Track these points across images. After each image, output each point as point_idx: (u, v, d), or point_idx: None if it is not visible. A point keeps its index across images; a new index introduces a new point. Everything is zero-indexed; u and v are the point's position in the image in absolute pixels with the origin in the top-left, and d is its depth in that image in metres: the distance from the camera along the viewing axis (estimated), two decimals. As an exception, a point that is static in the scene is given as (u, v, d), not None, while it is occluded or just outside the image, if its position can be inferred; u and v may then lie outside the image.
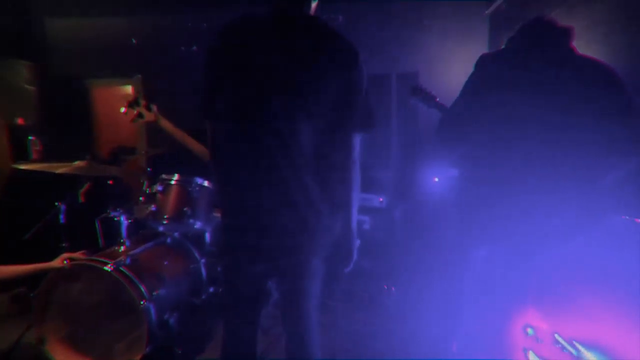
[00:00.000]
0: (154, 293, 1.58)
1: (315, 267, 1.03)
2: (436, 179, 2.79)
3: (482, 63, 1.25)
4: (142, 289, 1.52)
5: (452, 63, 2.86)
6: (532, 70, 1.16)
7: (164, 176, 1.78)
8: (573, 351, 1.56)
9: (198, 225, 1.77)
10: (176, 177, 1.77)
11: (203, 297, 1.95)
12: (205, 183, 1.83)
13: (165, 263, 1.79)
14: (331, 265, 1.10)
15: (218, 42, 0.98)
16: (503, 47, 1.29)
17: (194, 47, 3.03)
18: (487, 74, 1.23)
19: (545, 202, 1.14)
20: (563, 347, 1.61)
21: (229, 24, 0.98)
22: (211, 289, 2.01)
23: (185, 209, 1.72)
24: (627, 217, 1.39)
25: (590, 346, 1.52)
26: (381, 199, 2.64)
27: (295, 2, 0.97)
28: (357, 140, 1.00)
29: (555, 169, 1.12)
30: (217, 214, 2.22)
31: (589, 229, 1.18)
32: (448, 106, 1.67)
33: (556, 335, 1.65)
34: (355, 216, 1.04)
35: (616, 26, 1.65)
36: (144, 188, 1.79)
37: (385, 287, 2.44)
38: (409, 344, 1.84)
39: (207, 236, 2.06)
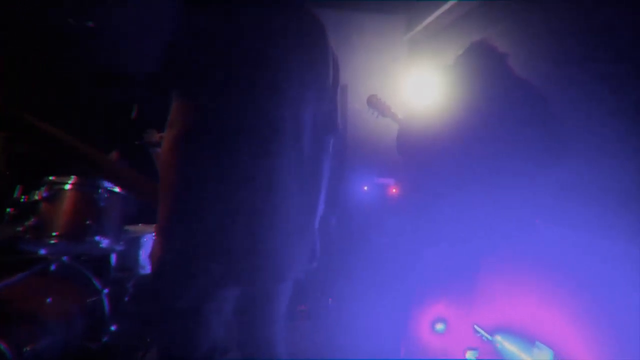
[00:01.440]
0: (26, 349, 1.10)
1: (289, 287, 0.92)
2: (365, 188, 2.91)
3: (436, 79, 1.35)
4: (2, 347, 1.03)
5: (376, 79, 3.09)
6: (476, 87, 1.30)
7: (52, 179, 1.29)
8: (492, 339, 1.75)
9: (105, 243, 1.34)
10: (73, 179, 1.31)
11: (104, 339, 1.49)
12: (117, 189, 1.42)
13: (48, 301, 1.29)
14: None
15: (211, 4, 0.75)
16: (449, 65, 1.41)
17: (90, 23, 2.41)
18: (440, 90, 1.35)
19: (484, 205, 1.27)
20: (482, 337, 1.79)
21: None
22: (114, 328, 1.55)
23: (87, 222, 1.27)
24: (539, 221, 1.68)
25: (509, 334, 1.74)
26: (318, 207, 2.57)
27: None
28: (331, 143, 0.94)
29: (492, 177, 1.27)
30: (132, 229, 1.76)
31: (518, 230, 1.36)
32: (400, 116, 1.78)
33: (475, 327, 1.84)
34: (318, 217, 0.96)
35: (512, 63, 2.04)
36: (17, 196, 1.26)
37: (328, 300, 2.37)
38: (354, 354, 1.79)
39: (114, 258, 1.60)
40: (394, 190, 2.73)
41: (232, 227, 0.74)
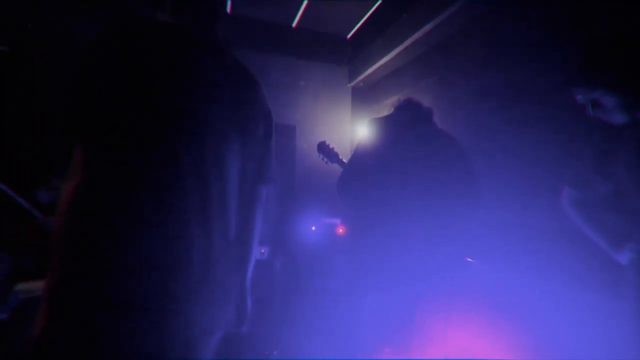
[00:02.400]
0: None
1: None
2: (313, 228, 2.85)
3: (373, 127, 1.46)
4: None
5: (322, 121, 3.21)
6: (410, 136, 1.40)
7: None
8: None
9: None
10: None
11: None
12: None
13: None
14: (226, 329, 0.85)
15: (116, 40, 0.67)
16: (387, 115, 1.52)
17: (3, 47, 2.16)
18: (377, 137, 1.43)
19: (422, 244, 1.32)
20: None
21: (132, 24, 0.70)
22: None
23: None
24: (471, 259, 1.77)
25: None
26: (263, 250, 2.42)
27: (206, 23, 0.80)
28: (264, 192, 0.91)
29: (428, 220, 1.33)
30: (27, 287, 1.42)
31: (454, 269, 1.41)
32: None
33: None
34: (249, 274, 0.89)
35: (437, 112, 2.28)
36: None
37: (267, 352, 2.13)
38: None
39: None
40: (341, 230, 2.72)
41: (135, 289, 0.62)
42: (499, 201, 1.65)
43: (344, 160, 1.83)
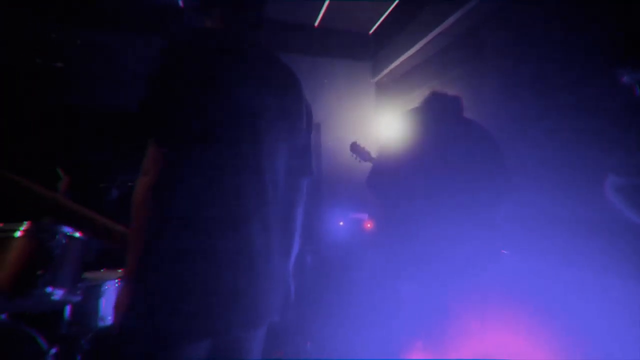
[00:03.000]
0: None
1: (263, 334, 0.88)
2: (341, 223, 2.91)
3: (402, 121, 1.48)
4: None
5: (347, 117, 3.24)
6: (440, 129, 1.41)
7: None
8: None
9: (58, 295, 1.21)
10: (25, 225, 1.20)
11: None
12: (77, 234, 1.31)
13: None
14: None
15: (188, 51, 0.75)
16: (415, 108, 1.53)
17: (58, 64, 2.39)
18: (406, 131, 1.44)
19: (454, 237, 1.32)
20: None
21: (198, 36, 0.79)
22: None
23: (38, 272, 1.15)
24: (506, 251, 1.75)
25: None
26: (293, 245, 2.52)
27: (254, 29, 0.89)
28: (305, 185, 0.97)
29: (460, 211, 1.33)
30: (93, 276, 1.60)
31: (487, 262, 1.41)
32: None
33: None
34: (292, 260, 0.96)
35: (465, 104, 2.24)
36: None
37: (301, 344, 2.23)
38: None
39: (67, 311, 1.43)
40: (368, 225, 2.76)
41: (204, 274, 0.71)
42: (540, 194, 1.61)
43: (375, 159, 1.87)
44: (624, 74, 1.00)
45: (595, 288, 1.31)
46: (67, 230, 1.29)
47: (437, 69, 2.54)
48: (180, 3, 0.91)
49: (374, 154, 1.92)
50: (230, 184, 0.75)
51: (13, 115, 2.32)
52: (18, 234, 1.18)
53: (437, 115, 1.43)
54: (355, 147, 1.95)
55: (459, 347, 1.72)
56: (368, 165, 1.89)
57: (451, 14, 2.03)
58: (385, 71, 3.00)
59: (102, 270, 1.71)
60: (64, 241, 1.26)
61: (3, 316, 1.25)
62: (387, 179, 1.45)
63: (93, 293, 1.51)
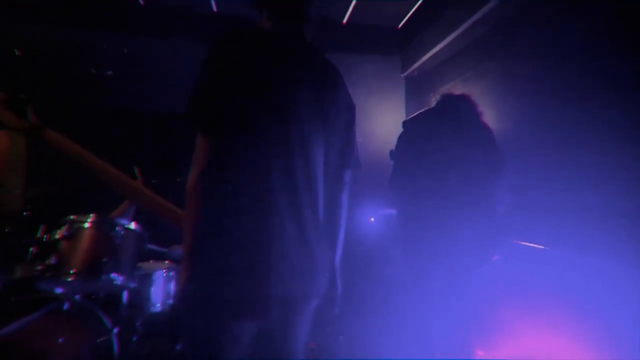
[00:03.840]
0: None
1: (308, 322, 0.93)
2: (372, 219, 2.93)
3: (406, 126, 1.64)
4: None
5: (377, 113, 3.24)
6: (446, 129, 1.51)
7: (73, 217, 1.35)
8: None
9: (119, 280, 1.37)
10: (92, 217, 1.37)
11: (112, 381, 1.45)
12: (132, 225, 1.47)
13: (60, 341, 1.29)
14: (322, 309, 0.98)
15: (236, 48, 0.84)
16: (420, 112, 1.67)
17: (109, 72, 2.63)
18: (413, 134, 1.59)
19: (460, 226, 1.43)
20: None
21: (245, 34, 0.87)
22: (122, 369, 1.52)
23: (104, 259, 1.31)
24: (517, 241, 1.74)
25: None
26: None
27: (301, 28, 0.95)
28: (347, 176, 0.99)
29: (466, 203, 1.43)
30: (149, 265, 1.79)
31: (494, 247, 1.50)
32: None
33: None
34: (339, 251, 1.00)
35: (501, 93, 2.17)
36: (40, 235, 1.31)
37: (333, 337, 2.29)
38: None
39: (125, 295, 1.60)
40: (399, 221, 2.75)
41: (240, 256, 0.78)
42: (573, 187, 1.55)
43: None
44: None
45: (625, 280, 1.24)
46: (124, 222, 1.45)
47: (471, 60, 2.47)
48: (214, 8, 1.00)
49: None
50: (259, 172, 0.81)
51: (78, 121, 2.59)
52: (87, 224, 1.35)
53: (443, 118, 1.54)
54: (392, 154, 1.99)
55: (495, 343, 1.71)
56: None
57: (480, 7, 1.97)
58: (415, 65, 2.95)
59: (150, 261, 1.88)
60: (122, 232, 1.42)
61: (77, 297, 1.44)
62: (401, 180, 1.58)
63: (146, 281, 1.68)
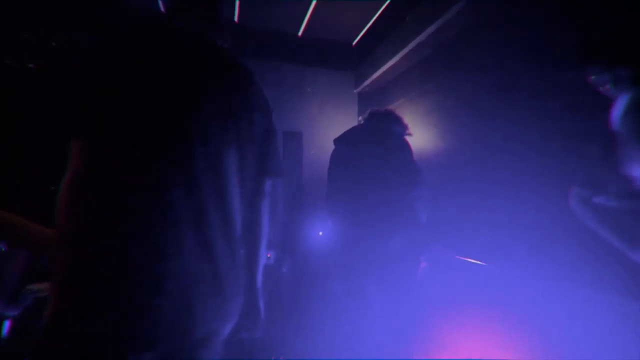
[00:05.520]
0: None
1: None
2: (320, 233, 2.83)
3: (336, 143, 1.73)
4: None
5: (329, 127, 3.23)
6: (369, 142, 1.61)
7: None
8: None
9: (-11, 309, 1.08)
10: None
11: None
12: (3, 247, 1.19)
13: None
14: (237, 333, 0.84)
15: (125, 44, 0.71)
16: (349, 130, 1.76)
17: (31, 65, 2.29)
18: (340, 151, 1.67)
19: (386, 235, 1.50)
20: None
21: (141, 31, 0.74)
22: None
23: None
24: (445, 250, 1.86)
25: None
26: (269, 255, 2.42)
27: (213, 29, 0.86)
28: (268, 185, 0.90)
29: (391, 213, 1.51)
30: (36, 288, 1.47)
31: (418, 253, 1.61)
32: None
33: None
34: (261, 271, 0.89)
35: (442, 113, 2.25)
36: None
37: (274, 358, 2.10)
38: None
39: (6, 326, 1.29)
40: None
41: (143, 279, 0.63)
42: (505, 200, 1.60)
43: None
44: (592, 74, 1.01)
45: (571, 298, 1.27)
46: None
47: (419, 77, 2.56)
48: (161, 7, 0.87)
49: None
50: (152, 183, 0.67)
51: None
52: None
53: (365, 132, 1.67)
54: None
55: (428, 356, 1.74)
56: None
57: (430, 23, 2.05)
58: (367, 82, 3.01)
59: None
60: (2, 249, 1.14)
61: None
62: (338, 193, 1.64)
63: (37, 306, 1.37)
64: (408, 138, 1.70)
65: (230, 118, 0.78)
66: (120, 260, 0.63)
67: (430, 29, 2.09)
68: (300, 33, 3.12)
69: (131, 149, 0.67)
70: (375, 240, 1.47)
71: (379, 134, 1.62)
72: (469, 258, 1.80)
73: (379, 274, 1.50)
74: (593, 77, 1.03)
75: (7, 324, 1.30)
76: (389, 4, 2.64)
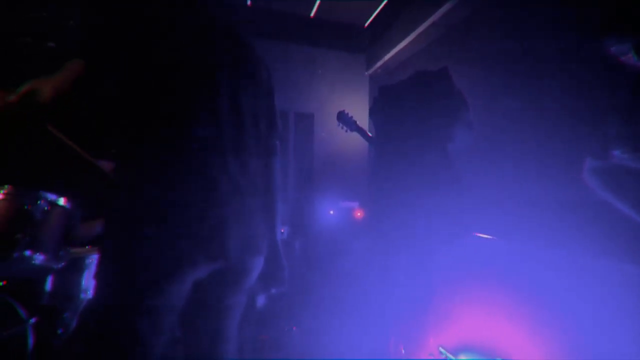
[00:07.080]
0: None
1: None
2: (331, 212, 2.92)
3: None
4: None
5: (340, 109, 3.26)
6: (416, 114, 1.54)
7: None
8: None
9: (39, 260, 1.19)
10: (6, 188, 1.19)
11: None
12: (61, 201, 1.30)
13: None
14: (265, 286, 0.94)
15: (139, 24, 0.79)
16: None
17: (51, 44, 2.36)
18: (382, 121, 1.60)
19: (427, 214, 1.43)
20: (447, 358, 1.75)
21: (152, 11, 0.82)
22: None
23: (17, 235, 1.14)
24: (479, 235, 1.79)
25: (472, 352, 1.73)
26: (282, 230, 2.52)
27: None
28: (277, 145, 0.98)
29: (431, 193, 1.43)
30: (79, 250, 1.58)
31: (458, 237, 1.50)
32: (366, 129, 1.91)
33: (440, 348, 1.81)
34: (279, 223, 0.97)
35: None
36: None
37: (287, 329, 2.22)
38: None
39: (49, 281, 1.41)
40: (358, 214, 2.77)
41: (196, 207, 0.75)
42: (518, 176, 1.64)
43: (362, 127, 1.89)
44: (612, 45, 1.01)
45: (584, 267, 1.31)
46: (50, 197, 1.27)
47: (431, 59, 2.57)
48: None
49: (360, 124, 1.93)
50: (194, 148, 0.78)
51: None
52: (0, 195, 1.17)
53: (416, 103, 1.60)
54: (342, 116, 1.91)
55: (445, 332, 1.74)
56: (353, 146, 1.90)
57: (441, 5, 2.06)
58: (379, 64, 3.02)
59: (87, 247, 1.69)
60: (46, 207, 1.25)
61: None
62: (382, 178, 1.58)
63: (77, 265, 1.49)
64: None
65: (238, 82, 0.86)
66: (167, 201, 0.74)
67: (443, 8, 2.10)
68: (312, 14, 3.14)
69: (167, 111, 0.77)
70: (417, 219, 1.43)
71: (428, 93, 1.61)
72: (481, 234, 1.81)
73: (410, 248, 1.48)
74: (613, 47, 1.01)
75: (50, 279, 1.43)
76: (402, -16, 2.63)
